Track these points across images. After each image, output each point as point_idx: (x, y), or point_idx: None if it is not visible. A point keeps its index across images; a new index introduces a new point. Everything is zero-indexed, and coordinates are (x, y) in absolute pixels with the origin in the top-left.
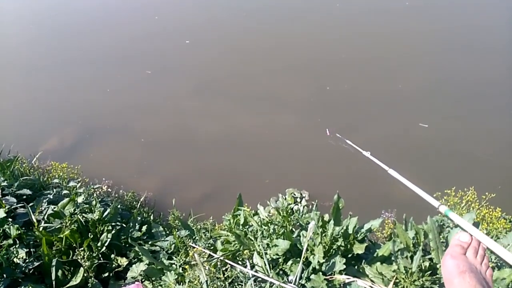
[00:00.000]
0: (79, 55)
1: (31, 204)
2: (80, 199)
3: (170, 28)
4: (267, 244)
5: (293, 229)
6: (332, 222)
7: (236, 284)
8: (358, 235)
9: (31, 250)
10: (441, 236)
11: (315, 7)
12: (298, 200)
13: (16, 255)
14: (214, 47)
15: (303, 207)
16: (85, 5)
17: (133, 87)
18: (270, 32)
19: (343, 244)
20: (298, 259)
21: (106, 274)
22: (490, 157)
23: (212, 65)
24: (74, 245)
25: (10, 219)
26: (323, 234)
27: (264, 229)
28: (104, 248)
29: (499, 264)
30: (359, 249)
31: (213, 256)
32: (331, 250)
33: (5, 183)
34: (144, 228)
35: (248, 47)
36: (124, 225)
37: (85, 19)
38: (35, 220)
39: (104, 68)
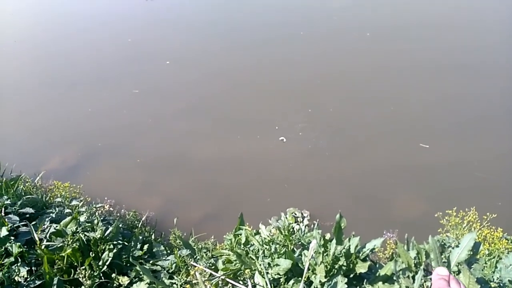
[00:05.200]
0: (64, 78)
1: (33, 223)
2: (82, 218)
3: (146, 50)
4: (269, 264)
5: (295, 249)
6: (334, 241)
7: None
8: (361, 255)
9: (33, 268)
10: (442, 256)
11: (288, 33)
12: (300, 219)
13: (17, 273)
14: (195, 69)
15: (305, 226)
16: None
17: (123, 107)
18: (247, 56)
19: (345, 264)
20: (300, 278)
21: None
22: (491, 177)
23: (197, 86)
24: (75, 263)
25: (12, 237)
26: (325, 254)
27: (266, 248)
28: (105, 267)
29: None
30: (362, 268)
31: (214, 276)
32: (333, 270)
33: (8, 202)
34: (145, 247)
35: (227, 71)
36: (126, 244)
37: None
38: (37, 239)
39: (89, 89)
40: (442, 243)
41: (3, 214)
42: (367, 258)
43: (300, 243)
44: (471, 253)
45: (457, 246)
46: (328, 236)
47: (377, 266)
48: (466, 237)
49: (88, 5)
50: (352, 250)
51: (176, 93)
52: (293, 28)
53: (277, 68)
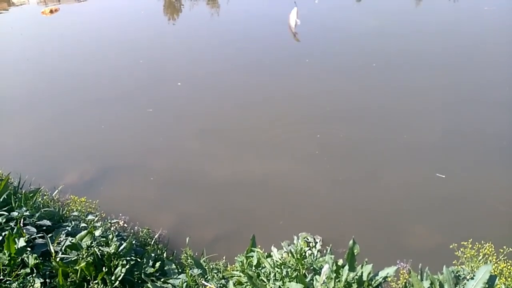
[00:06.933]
0: (77, 96)
1: (50, 235)
2: (97, 233)
3: (158, 71)
4: (280, 287)
5: (306, 273)
6: (346, 267)
7: None
8: (373, 282)
9: (47, 280)
10: (457, 287)
11: (295, 61)
12: (312, 244)
13: (32, 284)
14: (206, 92)
15: (317, 251)
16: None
17: (137, 126)
18: (258, 81)
19: None
20: None
21: None
22: (510, 210)
23: (208, 109)
24: (88, 277)
25: (29, 249)
26: (337, 280)
27: (277, 271)
28: (118, 282)
29: None
30: None
31: None
32: None
33: (27, 213)
34: (157, 264)
35: (238, 96)
36: (138, 261)
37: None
38: (53, 251)
39: (103, 106)
40: (457, 275)
41: (21, 225)
42: (380, 286)
43: (312, 267)
44: (487, 286)
45: (472, 279)
46: (340, 262)
47: None
48: (481, 269)
49: (95, 29)
50: (364, 277)
51: (189, 114)
52: (299, 56)
53: (287, 94)
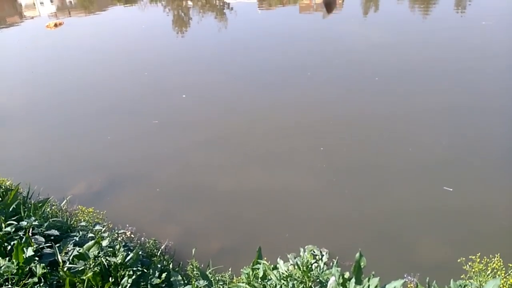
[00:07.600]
0: (83, 108)
1: (58, 245)
2: (104, 243)
3: (163, 84)
4: None
5: (312, 286)
6: (353, 280)
7: None
8: None
9: None
10: None
11: (300, 75)
12: (318, 257)
13: None
14: (211, 104)
15: (323, 263)
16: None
17: (143, 137)
18: (262, 95)
19: None
20: None
21: None
22: None
23: (213, 121)
24: (95, 287)
25: (37, 258)
26: None
27: (283, 283)
28: None
29: None
30: None
31: None
32: None
33: (35, 223)
34: (163, 275)
35: (242, 108)
36: (145, 271)
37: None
38: (60, 260)
39: (110, 118)
40: None
41: (30, 234)
42: None
43: (318, 280)
44: None
45: None
46: (347, 275)
47: None
48: (489, 284)
49: (100, 41)
50: None
51: (194, 125)
52: (302, 69)
53: (291, 106)
